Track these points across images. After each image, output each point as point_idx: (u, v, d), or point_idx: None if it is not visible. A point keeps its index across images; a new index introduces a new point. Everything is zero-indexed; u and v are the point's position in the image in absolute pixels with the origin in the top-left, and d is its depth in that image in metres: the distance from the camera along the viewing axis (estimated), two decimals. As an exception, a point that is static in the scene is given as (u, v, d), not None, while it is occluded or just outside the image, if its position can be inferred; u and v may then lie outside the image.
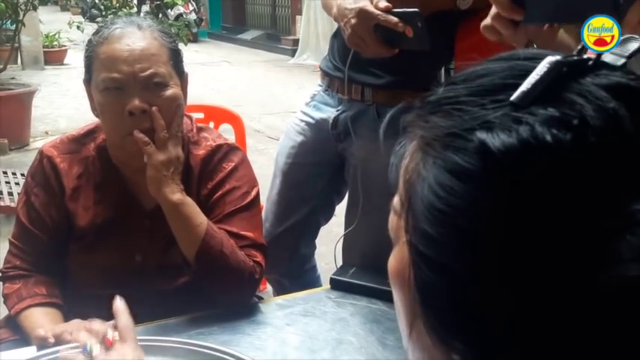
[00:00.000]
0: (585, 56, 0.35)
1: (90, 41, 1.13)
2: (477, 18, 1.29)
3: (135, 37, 1.10)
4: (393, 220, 0.38)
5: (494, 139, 0.32)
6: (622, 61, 0.35)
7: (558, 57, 0.34)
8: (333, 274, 1.26)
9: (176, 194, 1.09)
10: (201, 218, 1.11)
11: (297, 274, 1.64)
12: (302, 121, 1.56)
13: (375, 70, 1.39)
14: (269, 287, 1.85)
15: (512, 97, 0.33)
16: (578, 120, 0.31)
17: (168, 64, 1.12)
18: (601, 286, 0.29)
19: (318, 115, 1.52)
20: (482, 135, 0.32)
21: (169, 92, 1.11)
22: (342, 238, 1.52)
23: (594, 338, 0.29)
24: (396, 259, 0.38)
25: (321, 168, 1.55)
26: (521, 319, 0.31)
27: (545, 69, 0.33)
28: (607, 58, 0.36)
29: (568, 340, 0.30)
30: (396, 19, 1.16)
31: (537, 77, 0.33)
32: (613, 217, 0.29)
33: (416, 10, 1.16)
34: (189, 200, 1.11)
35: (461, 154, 0.33)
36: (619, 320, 0.29)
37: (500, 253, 0.31)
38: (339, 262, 1.45)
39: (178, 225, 1.11)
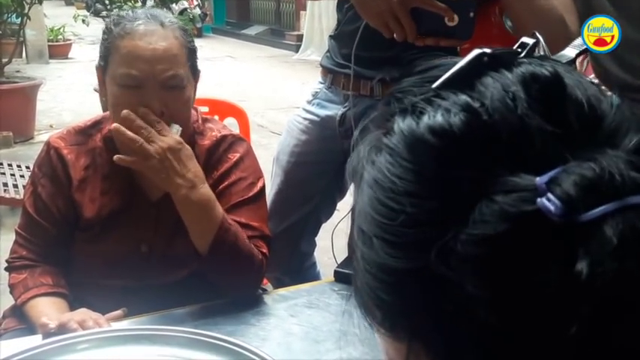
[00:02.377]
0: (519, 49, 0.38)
1: (110, 30, 1.12)
2: (487, 9, 1.28)
3: (157, 35, 1.10)
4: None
5: (405, 121, 0.36)
6: (569, 57, 0.38)
7: (486, 50, 0.37)
8: (337, 267, 1.27)
9: (183, 191, 1.07)
10: (214, 212, 1.10)
11: (297, 271, 1.64)
12: (305, 119, 1.54)
13: (385, 65, 1.38)
14: (269, 285, 1.85)
15: (434, 85, 0.37)
16: (479, 102, 0.35)
17: (186, 65, 1.12)
18: (453, 243, 0.32)
19: (323, 112, 1.51)
20: (398, 117, 0.37)
21: (185, 95, 1.12)
22: (344, 232, 1.51)
23: (456, 296, 0.33)
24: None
25: (326, 166, 1.54)
26: (408, 279, 0.35)
27: (468, 60, 0.37)
28: (565, 51, 0.39)
29: (436, 302, 0.34)
30: (444, 5, 1.11)
31: (458, 67, 0.37)
32: (481, 185, 0.32)
33: (474, 1, 1.12)
34: (198, 196, 1.08)
35: (389, 136, 0.37)
36: (470, 276, 0.32)
37: (397, 220, 0.35)
38: (337, 255, 1.46)
39: (189, 219, 1.11)
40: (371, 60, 1.38)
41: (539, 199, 0.31)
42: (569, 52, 0.40)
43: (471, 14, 1.11)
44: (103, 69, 1.14)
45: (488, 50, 0.37)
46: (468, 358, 0.34)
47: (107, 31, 1.13)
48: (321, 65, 1.56)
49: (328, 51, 1.54)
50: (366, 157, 0.38)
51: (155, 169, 1.07)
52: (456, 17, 1.12)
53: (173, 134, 1.09)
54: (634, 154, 0.33)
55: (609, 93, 0.38)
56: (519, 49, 0.38)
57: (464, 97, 0.35)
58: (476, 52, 0.37)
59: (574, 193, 0.31)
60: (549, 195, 0.31)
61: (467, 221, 0.32)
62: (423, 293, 0.34)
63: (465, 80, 0.36)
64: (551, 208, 0.30)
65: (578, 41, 0.41)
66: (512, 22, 1.20)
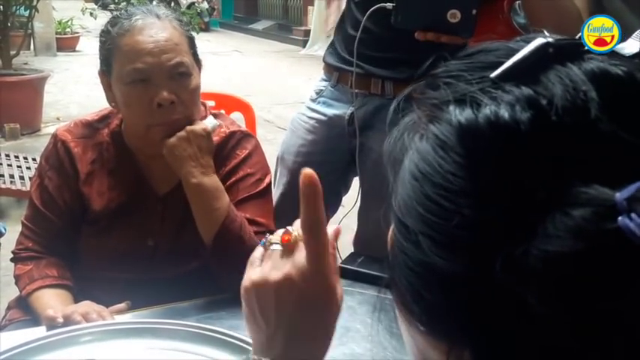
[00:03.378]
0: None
1: (108, 32, 1.13)
2: (493, 6, 1.27)
3: (156, 27, 1.10)
4: (392, 196, 0.39)
5: (460, 114, 0.33)
6: (633, 51, 0.35)
7: (549, 39, 0.34)
8: (342, 263, 1.26)
9: (196, 177, 1.09)
10: (221, 202, 1.11)
11: None
12: (311, 118, 1.52)
13: (396, 64, 1.36)
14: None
15: (493, 74, 0.34)
16: (547, 100, 0.32)
17: (189, 52, 1.13)
18: (523, 256, 0.30)
19: (330, 111, 1.49)
20: (453, 108, 0.34)
21: (193, 83, 1.12)
22: (349, 227, 1.51)
23: (516, 307, 0.31)
24: (391, 230, 0.39)
25: (332, 165, 1.52)
26: (462, 284, 0.33)
27: (531, 49, 0.34)
28: (626, 44, 0.36)
29: (492, 309, 0.32)
30: None
31: (520, 57, 0.34)
32: (551, 195, 0.30)
33: None
34: (209, 183, 1.10)
35: (438, 125, 0.34)
36: (537, 292, 0.30)
37: (453, 222, 0.32)
38: (342, 251, 1.45)
39: (198, 206, 1.11)
40: (383, 59, 1.37)
41: (620, 218, 0.28)
42: (632, 44, 0.36)
43: (474, 11, 1.11)
44: (106, 73, 1.14)
45: (552, 40, 0.34)
46: None
47: (105, 34, 1.13)
48: (325, 62, 1.54)
49: (332, 47, 1.51)
50: (408, 143, 0.36)
51: (174, 147, 1.08)
52: (458, 14, 1.11)
53: (205, 124, 1.12)
54: None
55: None
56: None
57: (529, 92, 0.32)
58: (540, 41, 0.34)
59: None
60: (633, 215, 0.28)
61: (536, 233, 0.30)
62: (473, 298, 0.32)
63: (528, 72, 0.33)
64: (635, 230, 0.28)
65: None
66: (528, 18, 1.19)
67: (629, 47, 0.36)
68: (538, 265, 0.30)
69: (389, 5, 1.19)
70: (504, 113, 0.32)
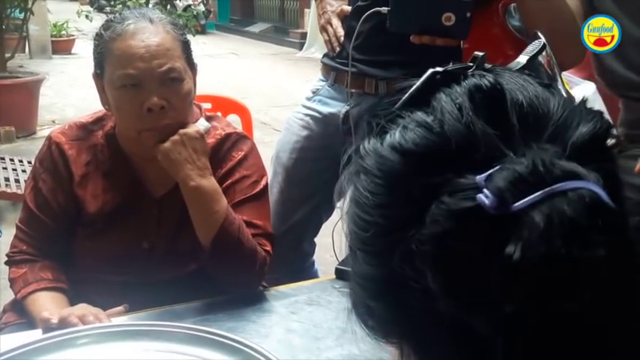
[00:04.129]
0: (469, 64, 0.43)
1: (101, 35, 1.12)
2: (487, 9, 1.28)
3: (149, 32, 1.10)
4: None
5: (369, 144, 0.41)
6: (520, 63, 0.43)
7: (438, 68, 0.42)
8: (338, 264, 1.27)
9: (194, 180, 1.09)
10: (220, 204, 1.10)
11: (298, 271, 1.63)
12: (306, 115, 1.54)
13: (389, 64, 1.38)
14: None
15: (396, 106, 0.41)
16: (432, 116, 0.39)
17: (182, 57, 1.12)
18: (410, 245, 0.36)
19: (325, 109, 1.51)
20: (365, 141, 0.42)
21: (185, 88, 1.11)
22: (338, 228, 1.51)
23: (419, 294, 0.36)
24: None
25: (327, 163, 1.53)
26: (387, 286, 0.39)
27: (422, 80, 0.41)
28: (519, 58, 0.44)
29: (406, 302, 0.38)
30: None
31: (414, 88, 0.41)
32: (433, 191, 0.36)
33: (471, 1, 1.13)
34: (207, 185, 1.10)
35: (362, 159, 0.42)
36: (426, 273, 0.36)
37: (369, 231, 0.40)
38: (338, 253, 1.45)
39: (196, 209, 1.11)
40: (377, 61, 1.39)
41: (478, 195, 0.34)
42: (522, 59, 0.44)
43: (468, 14, 1.13)
44: (99, 76, 1.14)
45: (440, 69, 0.42)
46: (441, 352, 0.37)
47: (98, 37, 1.13)
48: (323, 62, 1.56)
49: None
50: (350, 179, 0.43)
51: (169, 151, 1.08)
52: (452, 17, 1.12)
53: (197, 126, 1.12)
54: (573, 146, 0.36)
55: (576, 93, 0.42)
56: (471, 64, 0.42)
57: (419, 114, 0.39)
58: (429, 71, 0.41)
59: (504, 186, 0.34)
60: (485, 191, 0.34)
61: (423, 224, 0.36)
62: (399, 298, 0.38)
63: (421, 98, 0.40)
64: (487, 201, 0.34)
65: (530, 48, 0.45)
66: (522, 20, 1.19)
67: (520, 60, 0.44)
68: (422, 248, 0.36)
69: (384, 10, 1.19)
70: (397, 135, 0.39)
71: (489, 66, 0.42)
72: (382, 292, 0.39)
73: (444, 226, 0.35)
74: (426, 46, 1.17)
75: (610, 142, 0.39)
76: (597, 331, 0.35)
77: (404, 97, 0.42)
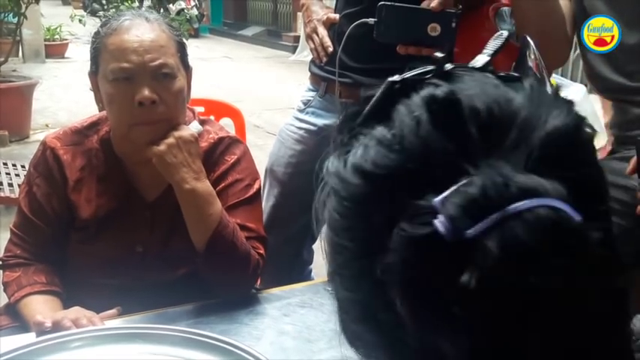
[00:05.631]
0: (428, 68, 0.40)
1: (97, 33, 1.13)
2: (478, 13, 1.29)
3: (144, 28, 1.11)
4: None
5: (332, 165, 0.39)
6: (483, 61, 0.41)
7: (395, 78, 0.39)
8: (331, 267, 1.27)
9: (189, 183, 1.09)
10: (215, 207, 1.11)
11: (296, 280, 1.64)
12: (300, 128, 1.52)
13: (386, 73, 1.37)
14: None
15: (357, 122, 0.39)
16: (392, 132, 0.36)
17: (176, 55, 1.13)
18: (380, 271, 0.35)
19: (320, 121, 1.50)
20: (329, 161, 0.40)
21: (177, 85, 1.12)
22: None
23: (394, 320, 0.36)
24: None
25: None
26: (362, 318, 0.38)
27: (380, 91, 0.39)
28: (478, 57, 0.42)
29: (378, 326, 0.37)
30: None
31: (373, 101, 0.39)
32: (394, 214, 0.34)
33: (455, 12, 1.15)
34: (202, 188, 1.10)
35: (330, 180, 0.40)
36: (396, 300, 0.35)
37: (341, 254, 0.38)
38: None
39: (191, 212, 1.11)
40: (372, 70, 1.38)
41: (434, 221, 0.32)
42: (481, 58, 0.42)
43: (453, 24, 1.14)
44: (95, 74, 1.15)
45: (397, 77, 0.39)
46: None
47: (95, 35, 1.14)
48: (312, 72, 1.54)
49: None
50: (323, 203, 0.41)
51: (164, 154, 1.08)
52: (438, 27, 1.14)
53: (190, 129, 1.12)
54: (540, 148, 0.34)
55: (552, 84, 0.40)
56: (432, 67, 0.40)
57: (379, 129, 0.37)
58: (387, 80, 0.39)
59: (456, 212, 0.32)
60: (440, 216, 0.32)
61: (386, 250, 0.34)
62: (378, 322, 0.37)
63: (382, 111, 0.38)
64: (441, 228, 0.32)
65: (491, 45, 0.42)
66: (516, 22, 1.21)
67: (480, 59, 0.41)
68: (387, 276, 0.34)
69: (371, 20, 1.21)
70: (358, 156, 0.37)
71: (450, 67, 0.39)
72: (363, 316, 0.38)
73: (403, 254, 0.33)
74: (409, 55, 1.18)
75: (585, 133, 0.36)
76: (560, 356, 0.33)
77: (364, 112, 0.39)
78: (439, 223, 0.32)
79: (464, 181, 0.33)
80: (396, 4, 1.19)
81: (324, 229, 0.40)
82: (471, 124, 0.35)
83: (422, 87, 0.38)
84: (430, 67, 0.39)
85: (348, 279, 0.38)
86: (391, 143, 0.36)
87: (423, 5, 1.19)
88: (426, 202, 0.33)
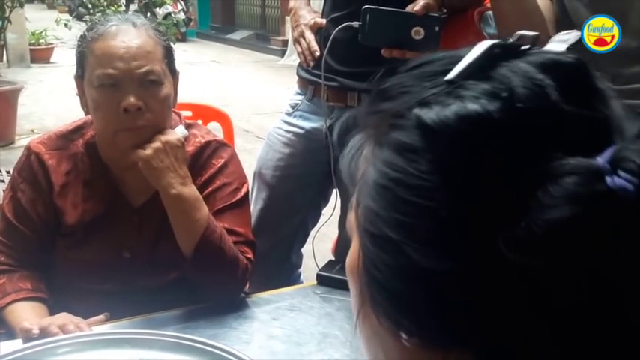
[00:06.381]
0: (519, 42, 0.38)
1: (83, 37, 1.13)
2: (462, 16, 1.30)
3: (131, 34, 1.10)
4: (350, 216, 0.39)
5: (429, 113, 0.34)
6: (564, 47, 0.39)
7: (494, 42, 0.36)
8: (320, 270, 1.28)
9: (175, 188, 1.09)
10: (201, 212, 1.10)
11: (285, 284, 1.64)
12: (288, 132, 1.52)
13: (370, 75, 1.37)
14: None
15: (447, 76, 0.35)
16: (507, 91, 0.34)
17: (162, 62, 1.13)
18: (526, 231, 0.31)
19: (307, 125, 1.50)
20: (418, 111, 0.35)
21: (164, 91, 1.12)
22: (327, 236, 1.52)
23: (526, 279, 0.32)
24: (351, 252, 0.40)
25: (312, 178, 1.53)
26: (461, 279, 0.33)
27: (479, 52, 0.36)
28: (550, 46, 0.39)
29: (503, 296, 0.32)
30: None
31: (471, 59, 0.36)
32: (536, 171, 0.32)
33: (440, 16, 1.16)
34: (189, 194, 1.10)
35: (401, 131, 0.35)
36: (545, 263, 0.31)
37: (438, 220, 0.33)
38: (319, 259, 1.47)
39: (178, 218, 1.11)
40: (358, 73, 1.38)
41: (609, 178, 0.30)
42: (559, 46, 0.39)
43: (437, 28, 1.16)
44: (81, 78, 1.14)
45: (497, 42, 0.37)
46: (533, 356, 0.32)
47: (81, 39, 1.14)
48: (300, 76, 1.54)
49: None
50: (367, 156, 0.37)
51: (151, 159, 1.07)
52: (422, 31, 1.15)
53: (177, 133, 1.12)
54: None
55: None
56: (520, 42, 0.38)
57: (487, 86, 0.34)
58: (486, 43, 0.36)
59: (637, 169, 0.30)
60: (620, 173, 0.30)
61: (529, 208, 0.31)
62: (472, 295, 0.32)
63: (480, 71, 0.35)
64: (627, 185, 0.30)
65: (568, 36, 0.41)
66: (496, 22, 1.22)
67: (557, 48, 0.39)
68: (543, 235, 0.31)
69: (355, 24, 1.22)
70: (473, 106, 0.33)
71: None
72: (443, 288, 0.33)
73: (569, 210, 0.30)
74: (393, 58, 1.19)
75: None
76: None
77: (459, 68, 0.35)
78: (621, 180, 0.30)
79: (626, 144, 0.32)
80: (381, 7, 1.20)
81: (371, 192, 0.36)
82: (597, 98, 0.34)
83: (525, 55, 0.36)
84: (533, 33, 0.38)
85: (434, 246, 0.33)
86: (511, 100, 0.33)
87: (408, 9, 1.20)
88: (579, 161, 0.31)
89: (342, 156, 0.40)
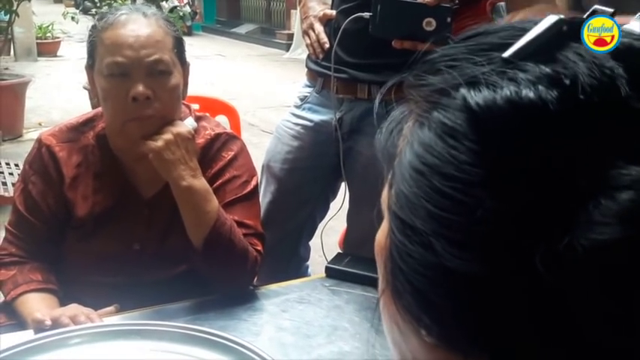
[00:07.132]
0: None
1: (94, 27, 1.13)
2: (474, 7, 1.30)
3: (140, 23, 1.10)
4: (384, 193, 0.36)
5: (476, 95, 0.30)
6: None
7: (562, 16, 0.32)
8: (329, 263, 1.28)
9: (186, 180, 1.09)
10: (212, 205, 1.10)
11: (293, 277, 1.64)
12: (297, 124, 1.52)
13: (381, 68, 1.35)
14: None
15: (505, 54, 0.31)
16: (569, 78, 0.29)
17: (172, 51, 1.13)
18: (567, 248, 0.27)
19: (316, 117, 1.49)
20: (465, 91, 0.30)
21: (172, 81, 1.11)
22: (334, 229, 1.51)
23: (559, 301, 0.28)
24: (381, 230, 0.36)
25: (320, 171, 1.52)
26: (489, 285, 0.29)
27: (544, 27, 0.31)
28: (631, 25, 0.34)
29: (535, 305, 0.28)
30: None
31: (533, 35, 0.31)
32: (591, 179, 0.27)
33: (452, 7, 1.15)
34: (199, 186, 1.10)
35: (443, 112, 0.31)
36: (584, 284, 0.27)
37: (472, 219, 0.29)
38: (327, 253, 1.47)
39: (188, 210, 1.11)
40: (368, 65, 1.37)
41: None
42: (636, 26, 0.33)
43: (448, 19, 1.15)
44: (91, 67, 1.14)
45: (566, 17, 0.32)
46: None
47: (92, 28, 1.14)
48: (309, 68, 1.53)
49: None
50: (406, 134, 0.33)
51: (162, 151, 1.07)
52: (433, 22, 1.14)
53: (187, 125, 1.12)
54: None
55: None
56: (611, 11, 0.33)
57: (549, 70, 0.29)
58: (553, 18, 0.31)
59: None
60: None
61: (577, 221, 0.27)
62: (500, 301, 0.29)
63: (544, 50, 0.30)
64: None
65: None
66: (508, 12, 1.21)
67: (635, 28, 0.34)
68: (586, 256, 0.26)
69: (366, 15, 1.21)
70: (528, 93, 0.29)
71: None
72: (470, 291, 0.30)
73: (620, 232, 0.26)
74: (403, 50, 1.18)
75: None
76: None
77: (520, 44, 0.31)
78: None
79: None
80: None
81: (406, 174, 0.32)
82: None
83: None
84: (610, 10, 0.32)
85: (464, 246, 0.29)
86: (573, 90, 0.29)
87: (419, 0, 1.19)
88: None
89: (380, 129, 0.36)
